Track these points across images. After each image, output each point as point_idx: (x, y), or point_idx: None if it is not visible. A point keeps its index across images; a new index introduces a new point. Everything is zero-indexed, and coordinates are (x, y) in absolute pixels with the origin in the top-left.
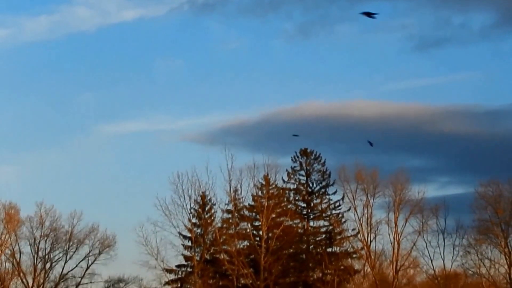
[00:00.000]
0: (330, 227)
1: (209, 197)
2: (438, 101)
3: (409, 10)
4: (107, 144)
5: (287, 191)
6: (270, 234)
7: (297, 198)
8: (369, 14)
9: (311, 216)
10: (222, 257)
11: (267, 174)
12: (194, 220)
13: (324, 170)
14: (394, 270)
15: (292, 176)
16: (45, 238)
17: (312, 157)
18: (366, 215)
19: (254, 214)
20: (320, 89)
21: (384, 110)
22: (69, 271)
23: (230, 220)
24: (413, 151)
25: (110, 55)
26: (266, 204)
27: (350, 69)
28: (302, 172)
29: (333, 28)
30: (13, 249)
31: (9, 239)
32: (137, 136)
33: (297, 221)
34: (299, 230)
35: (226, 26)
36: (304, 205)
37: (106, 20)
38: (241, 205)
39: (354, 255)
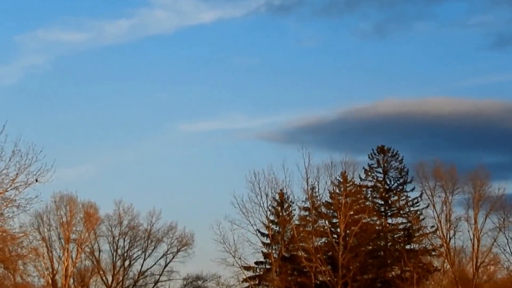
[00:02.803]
0: (408, 224)
1: (286, 195)
2: None
3: (486, 7)
4: (183, 143)
5: (364, 189)
6: (348, 231)
7: (374, 195)
8: None
9: (389, 213)
10: (300, 254)
11: (345, 172)
12: (271, 218)
13: (402, 167)
14: (474, 267)
15: (369, 173)
16: (124, 236)
17: (389, 154)
18: (445, 212)
19: (331, 211)
20: (396, 87)
21: (460, 107)
22: (147, 269)
23: (308, 218)
24: (491, 147)
25: (187, 56)
26: (343, 201)
27: (426, 66)
28: (380, 170)
29: (409, 26)
30: (93, 247)
31: (88, 237)
32: (213, 135)
33: (375, 218)
34: (377, 227)
35: (302, 26)
36: (382, 202)
37: (184, 22)
38: (319, 202)
39: (433, 252)
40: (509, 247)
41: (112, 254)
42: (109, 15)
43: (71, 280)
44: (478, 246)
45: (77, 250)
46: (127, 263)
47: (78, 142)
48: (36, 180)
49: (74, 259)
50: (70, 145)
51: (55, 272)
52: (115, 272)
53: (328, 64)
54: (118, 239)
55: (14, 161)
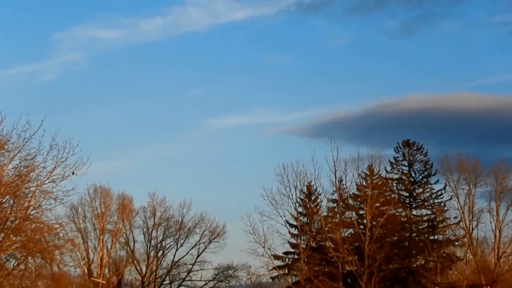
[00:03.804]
0: (433, 216)
1: (314, 187)
2: None
3: (509, 7)
4: (215, 137)
5: (390, 181)
6: (374, 223)
7: (400, 187)
8: None
9: (414, 205)
10: (328, 244)
11: (371, 165)
12: (300, 209)
13: (426, 160)
14: (496, 257)
15: (395, 166)
16: (157, 227)
17: (414, 148)
18: (468, 204)
19: (358, 203)
20: (422, 83)
21: (484, 102)
22: (180, 259)
23: (335, 209)
24: None
25: (220, 53)
26: (370, 193)
27: (451, 63)
28: (405, 163)
29: (434, 25)
30: (127, 238)
31: (123, 228)
32: (244, 130)
33: (400, 210)
34: (402, 219)
35: (331, 25)
36: (407, 194)
37: (217, 20)
38: (346, 194)
39: (456, 243)
40: None
41: (146, 245)
42: (144, 13)
43: (106, 270)
44: (499, 236)
45: (112, 240)
46: (160, 253)
47: (114, 137)
48: (73, 173)
49: (109, 250)
50: (106, 140)
51: (90, 262)
52: (149, 262)
53: (356, 61)
54: (152, 230)
55: (51, 155)
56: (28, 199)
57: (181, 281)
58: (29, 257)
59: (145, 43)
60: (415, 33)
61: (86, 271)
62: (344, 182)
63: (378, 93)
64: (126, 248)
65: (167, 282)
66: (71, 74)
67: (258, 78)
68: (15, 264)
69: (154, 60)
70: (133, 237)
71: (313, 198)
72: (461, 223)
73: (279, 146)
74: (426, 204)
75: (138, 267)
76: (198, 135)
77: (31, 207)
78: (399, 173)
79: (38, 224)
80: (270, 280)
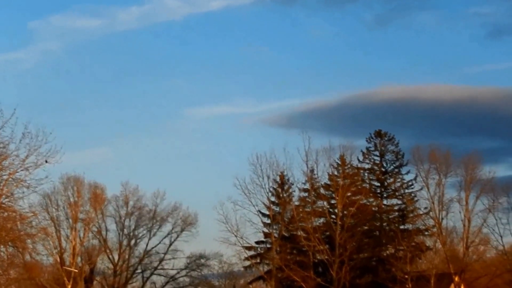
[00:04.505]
0: (403, 205)
1: (287, 177)
2: (511, 84)
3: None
4: (191, 127)
5: (362, 171)
6: (345, 212)
7: (371, 177)
8: None
9: (385, 195)
10: (299, 234)
11: (343, 155)
12: (272, 199)
13: (398, 150)
14: (464, 246)
15: (366, 156)
16: (130, 216)
17: (386, 138)
18: (438, 194)
19: (330, 193)
20: (397, 74)
21: (457, 94)
22: (152, 248)
23: (307, 199)
24: (485, 133)
25: (196, 42)
26: (341, 183)
27: (425, 54)
28: (377, 153)
29: (410, 16)
30: (100, 227)
31: (95, 217)
32: (220, 119)
33: (371, 199)
34: (373, 208)
35: (307, 15)
36: (378, 184)
37: (193, 9)
38: (318, 184)
39: (426, 232)
40: (498, 228)
41: (119, 234)
42: (121, 2)
43: (79, 259)
44: (468, 226)
45: (85, 229)
46: (133, 242)
47: (88, 126)
48: (46, 161)
49: (81, 238)
50: (80, 129)
51: (63, 251)
52: (121, 251)
53: (331, 52)
54: (124, 219)
55: (24, 143)
56: (1, 187)
57: (153, 270)
58: (1, 246)
59: (123, 32)
60: (390, 25)
61: (58, 260)
62: (316, 172)
63: (353, 84)
64: (98, 237)
65: (139, 271)
66: (48, 62)
67: (235, 68)
68: None
69: (131, 49)
70: (106, 226)
71: (285, 187)
72: (431, 213)
73: (254, 136)
74: (397, 194)
75: (110, 256)
76: (173, 124)
77: (4, 196)
78: (371, 163)
79: (10, 213)
80: (242, 269)
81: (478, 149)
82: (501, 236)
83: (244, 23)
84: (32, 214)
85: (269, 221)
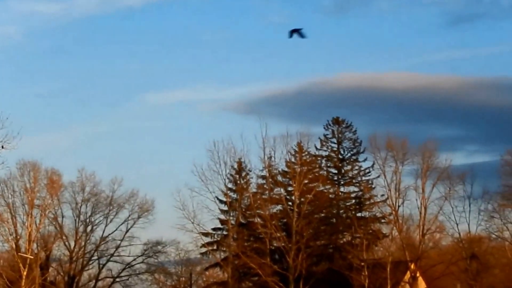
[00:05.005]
0: (360, 193)
1: (244, 164)
2: (468, 73)
3: None
4: (149, 112)
5: (319, 158)
6: (302, 199)
7: (328, 164)
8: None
9: (342, 182)
10: (256, 221)
11: (300, 142)
12: (229, 186)
13: (355, 138)
14: (420, 234)
15: (324, 143)
16: (86, 202)
17: (343, 126)
18: (395, 182)
19: (287, 180)
20: (356, 61)
21: (416, 82)
22: (109, 234)
23: (264, 186)
24: (443, 121)
25: (156, 27)
26: (299, 170)
27: (384, 42)
28: (334, 140)
29: (369, 4)
30: (56, 213)
31: (52, 204)
32: (179, 105)
33: (328, 186)
34: (330, 196)
35: (267, 2)
36: (335, 171)
37: None
38: (275, 171)
39: (383, 220)
40: (454, 215)
41: (75, 220)
42: None
43: (35, 245)
44: (425, 214)
45: (41, 216)
46: (89, 228)
47: (46, 112)
48: (2, 147)
49: (37, 225)
50: (38, 114)
51: (19, 237)
52: (78, 237)
53: (291, 39)
54: (81, 205)
55: None
56: None
57: (109, 256)
58: None
59: (82, 18)
60: (350, 12)
61: (14, 246)
62: (273, 159)
63: (312, 71)
64: (54, 223)
65: (95, 257)
66: (5, 48)
67: (194, 54)
68: None
69: (90, 34)
70: (62, 213)
71: (242, 174)
72: (388, 200)
73: (212, 122)
74: (354, 181)
75: (66, 243)
76: (132, 110)
77: None
78: (328, 150)
79: None
80: (199, 256)
81: (435, 137)
82: (457, 224)
83: (204, 8)
84: None
85: (226, 208)
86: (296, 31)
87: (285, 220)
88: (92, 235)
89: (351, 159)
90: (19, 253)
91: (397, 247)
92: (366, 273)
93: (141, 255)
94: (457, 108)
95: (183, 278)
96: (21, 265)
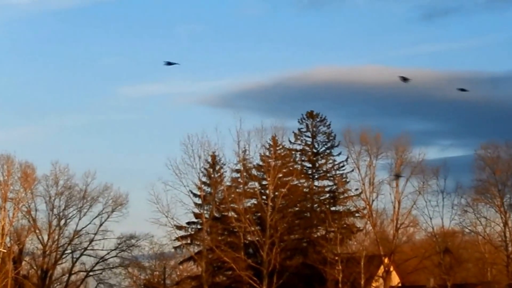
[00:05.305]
0: (334, 187)
1: (218, 158)
2: (443, 67)
3: None
4: (124, 106)
5: (293, 152)
6: (276, 193)
7: (303, 158)
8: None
9: (316, 176)
10: (230, 215)
11: (275, 136)
12: (204, 179)
13: (330, 132)
14: (394, 228)
15: (298, 137)
16: (60, 196)
17: (318, 120)
18: (369, 176)
19: (261, 173)
20: (331, 55)
21: (389, 76)
22: (82, 228)
23: (239, 180)
24: (417, 115)
25: (131, 20)
26: (273, 164)
27: (358, 36)
28: (308, 134)
29: None
30: (29, 207)
31: (25, 197)
32: (155, 99)
33: (302, 180)
34: (304, 190)
35: None
36: (310, 165)
37: None
38: (250, 165)
39: (357, 214)
40: (428, 210)
41: (48, 214)
42: None
43: (8, 239)
44: (398, 208)
45: (14, 209)
46: (62, 222)
47: (19, 104)
48: None
49: (10, 218)
50: (10, 107)
51: None
52: (51, 231)
53: (266, 33)
54: (54, 199)
55: None
56: None
57: (83, 250)
58: None
59: (55, 10)
60: (325, 5)
61: None
62: (248, 153)
63: (286, 65)
64: (28, 217)
65: (69, 251)
66: None
67: (171, 47)
68: None
69: (64, 27)
70: (35, 206)
71: (217, 168)
72: (362, 194)
73: (187, 115)
74: (328, 175)
75: (40, 236)
76: (106, 103)
77: None
78: (303, 144)
79: None
80: (173, 249)
81: (409, 131)
82: (430, 218)
83: (179, 2)
84: None
85: (200, 202)
86: (170, 64)
87: (259, 214)
88: (66, 229)
89: (325, 153)
90: None
91: (371, 241)
92: (340, 267)
93: (115, 249)
94: (431, 103)
95: (157, 272)
96: None
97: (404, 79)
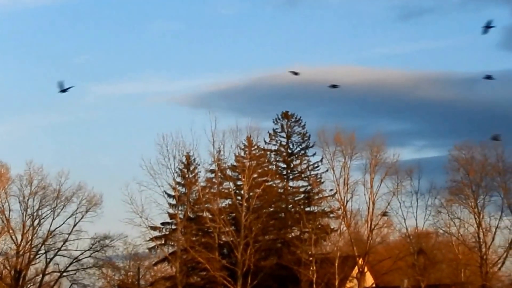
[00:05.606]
0: (309, 187)
1: (193, 158)
2: (417, 67)
3: None
4: (99, 105)
5: (268, 152)
6: (251, 194)
7: (277, 159)
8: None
9: (291, 177)
10: (205, 215)
11: (250, 136)
12: (178, 180)
13: (304, 132)
14: (369, 229)
15: (273, 137)
16: (34, 196)
17: (292, 120)
18: (344, 176)
19: (236, 174)
20: (306, 55)
21: (365, 76)
22: (56, 228)
23: (213, 180)
24: (391, 115)
25: (107, 18)
26: (248, 164)
27: (333, 36)
28: (283, 134)
29: None
30: (3, 206)
31: None
32: (129, 98)
33: (277, 181)
34: (279, 190)
35: None
36: (284, 166)
37: None
38: (224, 165)
39: (331, 215)
40: (402, 211)
41: (22, 214)
42: None
43: None
44: (373, 209)
45: None
46: (36, 222)
47: None
48: None
49: None
50: None
51: None
52: (25, 231)
53: (242, 32)
54: (28, 198)
55: None
56: None
57: (57, 250)
58: None
59: (28, 8)
60: (299, 5)
61: None
62: (222, 153)
63: (261, 65)
64: (1, 217)
65: (42, 251)
66: None
67: (146, 45)
68: None
69: (38, 25)
70: (9, 206)
71: (191, 168)
72: (336, 195)
73: (162, 115)
74: (302, 176)
75: (13, 237)
76: (81, 102)
77: None
78: (277, 144)
79: None
80: (147, 250)
81: (383, 132)
82: (404, 219)
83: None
84: None
85: (174, 202)
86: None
87: (233, 215)
88: (40, 229)
89: (300, 154)
90: None
91: (346, 242)
92: (314, 268)
93: (89, 249)
94: (406, 103)
95: (131, 273)
96: None
97: (334, 86)
